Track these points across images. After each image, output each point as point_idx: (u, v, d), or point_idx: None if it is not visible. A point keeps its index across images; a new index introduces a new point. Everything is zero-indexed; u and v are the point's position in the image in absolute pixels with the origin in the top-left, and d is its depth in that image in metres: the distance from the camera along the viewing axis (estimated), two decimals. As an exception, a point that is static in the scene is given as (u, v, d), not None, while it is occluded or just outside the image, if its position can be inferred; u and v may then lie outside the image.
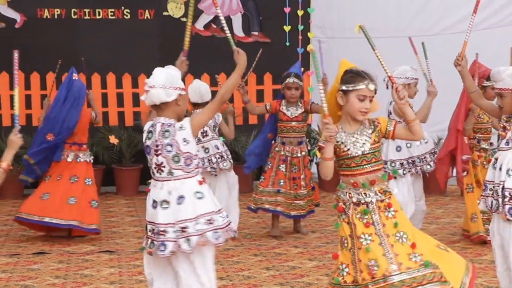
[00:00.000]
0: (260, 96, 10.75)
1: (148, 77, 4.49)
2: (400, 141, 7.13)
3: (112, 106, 10.57)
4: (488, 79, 6.93)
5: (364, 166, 4.32)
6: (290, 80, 7.38)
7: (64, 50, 10.38)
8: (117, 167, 10.36)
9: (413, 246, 4.23)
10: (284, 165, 7.40)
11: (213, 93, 10.55)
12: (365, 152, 4.31)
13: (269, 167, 7.45)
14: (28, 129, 10.31)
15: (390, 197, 4.35)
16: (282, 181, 7.41)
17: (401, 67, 7.24)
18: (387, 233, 4.27)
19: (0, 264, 6.65)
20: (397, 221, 4.30)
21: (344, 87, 4.31)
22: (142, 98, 4.48)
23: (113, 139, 9.97)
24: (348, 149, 4.32)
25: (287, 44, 10.71)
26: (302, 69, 8.32)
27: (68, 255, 7.00)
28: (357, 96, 4.28)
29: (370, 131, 4.34)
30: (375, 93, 4.33)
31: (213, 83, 10.71)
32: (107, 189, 10.29)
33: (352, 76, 4.32)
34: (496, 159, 5.07)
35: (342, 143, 4.32)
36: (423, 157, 7.34)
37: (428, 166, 7.32)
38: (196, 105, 7.37)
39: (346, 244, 4.32)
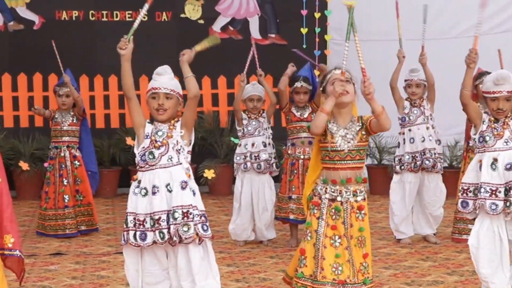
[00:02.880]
0: (277, 98, 10.75)
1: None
2: (413, 134, 7.27)
3: (129, 107, 10.60)
4: (477, 78, 7.01)
5: (347, 162, 4.46)
6: (298, 84, 7.17)
7: (82, 51, 10.44)
8: (134, 169, 10.37)
9: (365, 256, 4.44)
10: (296, 169, 7.13)
11: (230, 95, 10.62)
12: (351, 148, 4.44)
13: (284, 173, 7.27)
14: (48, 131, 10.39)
15: (364, 199, 4.52)
16: (294, 186, 7.13)
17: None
18: (351, 234, 4.45)
19: (17, 264, 6.68)
20: (364, 226, 4.50)
21: (322, 88, 4.58)
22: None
23: (129, 141, 10.01)
24: (336, 141, 4.45)
25: (304, 46, 10.70)
26: (317, 72, 8.23)
27: (84, 256, 7.03)
28: (331, 83, 4.47)
29: (358, 128, 4.48)
30: (349, 81, 4.48)
31: (230, 85, 10.75)
32: (124, 191, 10.30)
33: (324, 75, 4.61)
34: (496, 160, 4.96)
35: (332, 134, 4.46)
36: (422, 152, 7.29)
37: (427, 162, 7.28)
38: None
39: (309, 238, 4.48)
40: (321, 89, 4.61)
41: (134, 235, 4.51)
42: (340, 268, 4.42)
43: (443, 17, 11.01)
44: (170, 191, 4.46)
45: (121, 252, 7.04)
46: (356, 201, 4.47)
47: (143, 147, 4.52)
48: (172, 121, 4.57)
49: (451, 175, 8.62)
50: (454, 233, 7.44)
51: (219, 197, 10.12)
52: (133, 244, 4.52)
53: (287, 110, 7.31)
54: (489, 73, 7.21)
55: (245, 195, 7.34)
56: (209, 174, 10.05)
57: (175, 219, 4.42)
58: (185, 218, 4.42)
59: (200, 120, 10.64)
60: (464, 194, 5.10)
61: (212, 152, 10.41)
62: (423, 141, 7.26)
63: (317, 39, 10.72)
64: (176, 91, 4.57)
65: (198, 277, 4.49)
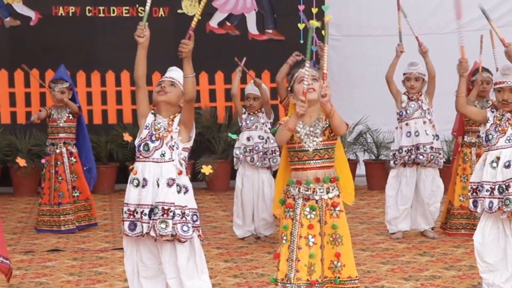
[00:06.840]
0: (274, 94, 10.74)
1: (162, 75, 4.61)
2: (409, 128, 7.25)
3: (126, 103, 10.60)
4: (473, 73, 7.18)
5: (316, 161, 4.38)
6: None
7: (78, 47, 10.43)
8: (131, 165, 10.35)
9: (337, 255, 4.37)
10: None
11: (227, 91, 10.61)
12: (318, 147, 4.36)
13: None
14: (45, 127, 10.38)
15: (338, 196, 4.44)
16: None
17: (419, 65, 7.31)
18: (324, 231, 4.38)
19: (15, 261, 6.67)
20: (338, 223, 4.40)
21: (289, 88, 4.48)
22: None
23: (127, 137, 10.01)
24: (302, 140, 4.37)
25: (301, 41, 10.69)
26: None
27: (82, 252, 7.02)
28: (298, 81, 4.40)
29: (325, 126, 4.38)
30: (316, 79, 4.37)
31: (227, 81, 10.74)
32: (122, 187, 10.31)
33: (291, 74, 4.49)
34: (498, 158, 4.99)
35: (298, 132, 4.37)
36: (416, 147, 7.28)
37: (421, 157, 7.28)
38: None
39: (284, 241, 4.40)
40: (289, 88, 4.53)
41: (128, 225, 4.56)
42: (313, 267, 4.36)
43: (440, 12, 11.01)
44: (158, 186, 4.51)
45: (119, 248, 7.07)
46: (329, 198, 4.39)
47: (141, 138, 4.60)
48: (172, 116, 4.60)
49: (449, 170, 8.62)
50: (447, 227, 7.47)
51: (217, 192, 10.11)
52: (126, 233, 4.56)
53: (286, 103, 7.29)
54: (486, 69, 7.25)
55: (246, 193, 7.33)
56: (206, 170, 10.05)
57: (155, 214, 4.45)
58: (165, 215, 4.44)
59: (198, 115, 10.62)
60: (474, 194, 5.12)
61: (210, 148, 10.40)
62: (417, 135, 7.26)
63: (314, 35, 10.68)
64: (182, 83, 4.58)
65: (184, 275, 4.52)
